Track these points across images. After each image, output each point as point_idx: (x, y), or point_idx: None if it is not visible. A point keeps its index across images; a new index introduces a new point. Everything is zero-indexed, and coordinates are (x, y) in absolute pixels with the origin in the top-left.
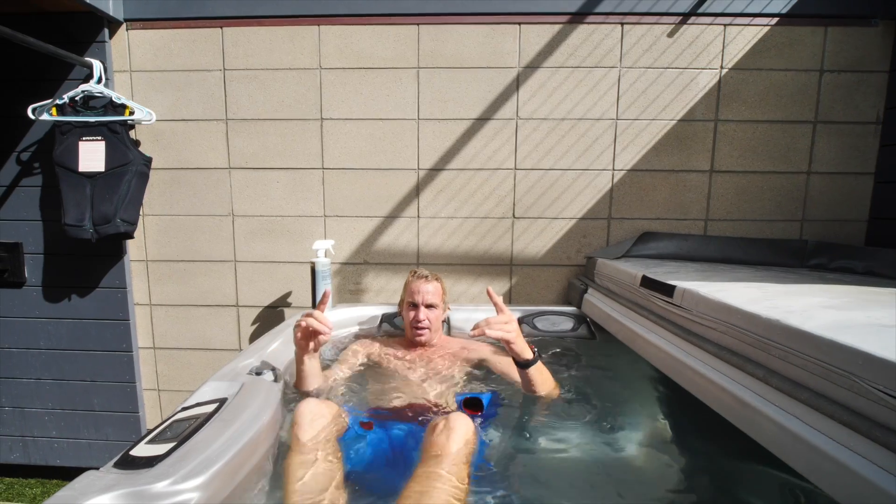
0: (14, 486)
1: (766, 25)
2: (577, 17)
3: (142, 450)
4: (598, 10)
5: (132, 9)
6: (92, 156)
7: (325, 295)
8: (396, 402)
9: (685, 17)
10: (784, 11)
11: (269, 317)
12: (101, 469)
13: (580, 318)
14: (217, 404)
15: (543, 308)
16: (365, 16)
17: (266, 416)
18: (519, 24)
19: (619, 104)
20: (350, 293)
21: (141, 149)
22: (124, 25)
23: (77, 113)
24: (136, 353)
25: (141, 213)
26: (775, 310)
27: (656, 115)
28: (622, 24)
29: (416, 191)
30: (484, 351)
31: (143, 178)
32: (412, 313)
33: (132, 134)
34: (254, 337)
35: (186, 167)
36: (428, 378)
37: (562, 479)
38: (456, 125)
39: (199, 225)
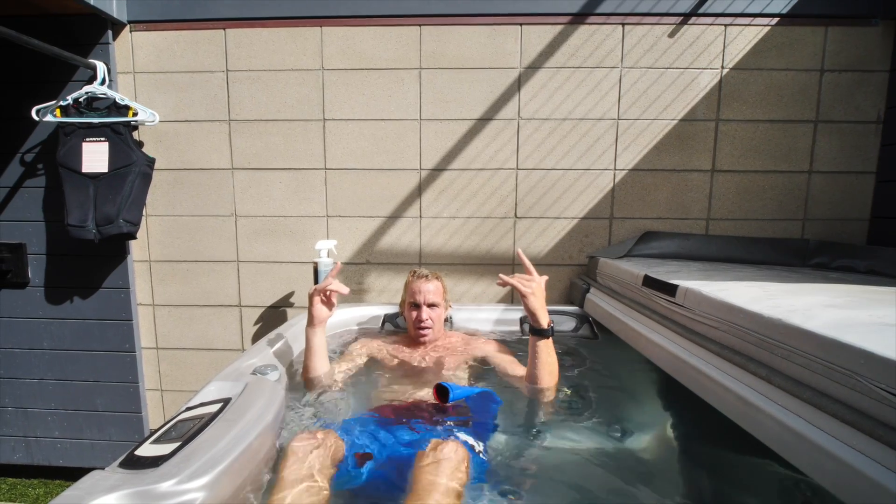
0: (17, 486)
1: (767, 25)
2: (579, 18)
3: (147, 450)
4: (599, 10)
5: (136, 11)
6: (95, 157)
7: (336, 267)
8: (399, 400)
9: (686, 17)
10: (784, 11)
11: (272, 317)
12: (106, 469)
13: (582, 318)
14: (221, 404)
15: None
16: (367, 17)
17: (270, 416)
18: (520, 24)
19: (620, 104)
20: (353, 293)
21: (144, 150)
22: (128, 27)
23: (81, 114)
24: (139, 353)
25: (144, 213)
26: (778, 309)
27: (658, 115)
28: (623, 24)
29: (419, 191)
30: (486, 348)
31: (147, 178)
32: (414, 313)
33: (135, 135)
34: (256, 337)
35: (189, 168)
36: (430, 375)
37: (564, 479)
38: (458, 126)
39: (201, 225)
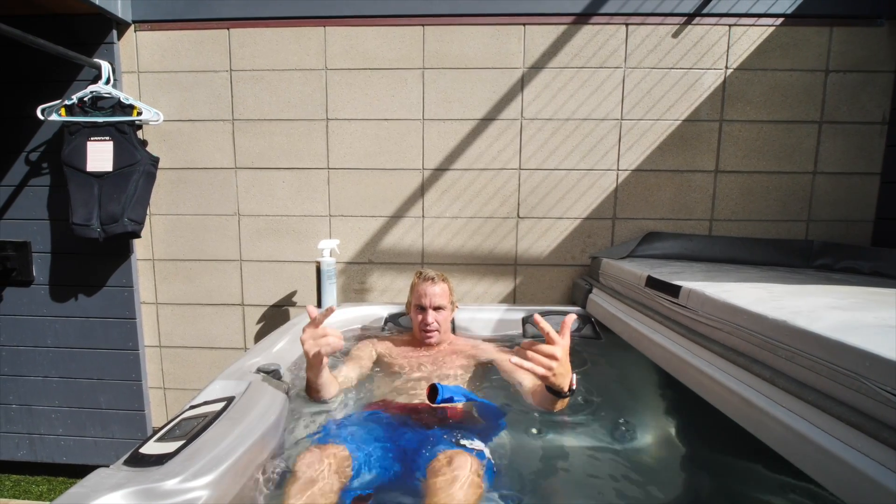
0: (21, 483)
1: (772, 26)
2: (582, 18)
3: (151, 447)
4: (602, 10)
5: (140, 10)
6: (100, 156)
7: (329, 310)
8: (403, 402)
9: (690, 17)
10: (789, 12)
11: (275, 316)
12: (111, 467)
13: (585, 319)
14: (225, 403)
15: (548, 308)
16: (370, 17)
17: (273, 415)
18: (524, 24)
19: (623, 104)
20: (355, 292)
21: (148, 149)
22: (132, 27)
23: (85, 113)
24: (142, 351)
25: (148, 212)
26: (782, 310)
27: (661, 115)
28: (627, 24)
29: (421, 190)
30: (492, 351)
31: (151, 177)
32: (420, 316)
33: (140, 134)
34: (259, 336)
35: (193, 167)
36: (435, 378)
37: (566, 480)
38: (460, 125)
39: (205, 224)
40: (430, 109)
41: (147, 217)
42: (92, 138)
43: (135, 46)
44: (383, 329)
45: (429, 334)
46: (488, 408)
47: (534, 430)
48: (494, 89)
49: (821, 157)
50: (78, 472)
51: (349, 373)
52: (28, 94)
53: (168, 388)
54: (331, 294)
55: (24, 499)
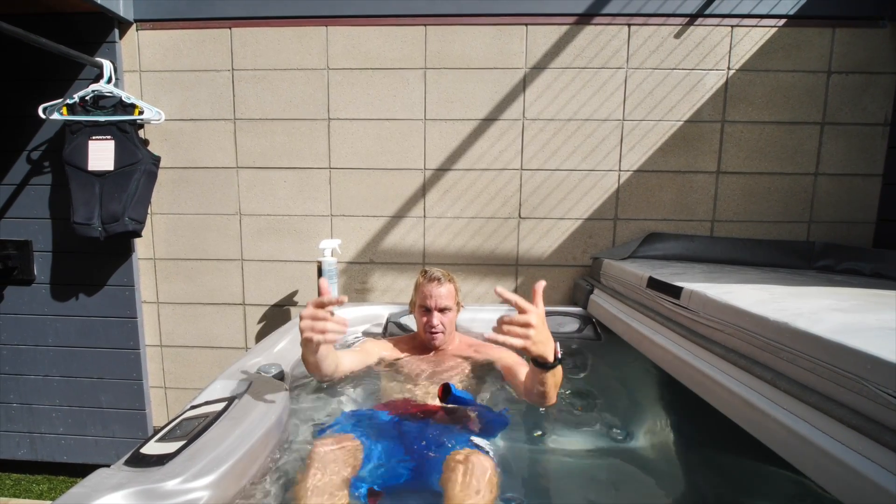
0: (21, 482)
1: (774, 27)
2: (584, 18)
3: (152, 448)
4: (604, 11)
5: (142, 9)
6: (101, 155)
7: (340, 301)
8: (410, 402)
9: (692, 18)
10: (791, 13)
11: (276, 315)
12: (111, 467)
13: (586, 319)
14: (226, 403)
15: (549, 308)
16: (372, 17)
17: (274, 416)
18: (526, 24)
19: (625, 105)
20: (356, 292)
21: (150, 148)
22: (134, 26)
23: (87, 112)
24: (143, 350)
25: (149, 211)
26: (783, 312)
27: (663, 115)
28: (629, 25)
29: (423, 190)
30: (492, 351)
31: (152, 177)
32: (425, 318)
33: (141, 133)
34: (260, 335)
35: (194, 166)
36: (440, 379)
37: (567, 481)
38: (462, 126)
39: (206, 224)
40: (431, 109)
41: (148, 216)
42: (93, 137)
43: (136, 45)
44: (385, 329)
45: (434, 336)
46: (494, 416)
47: (536, 432)
48: (496, 89)
49: (823, 158)
50: (78, 471)
51: (353, 363)
52: (30, 93)
53: (169, 387)
54: (332, 294)
55: (24, 498)
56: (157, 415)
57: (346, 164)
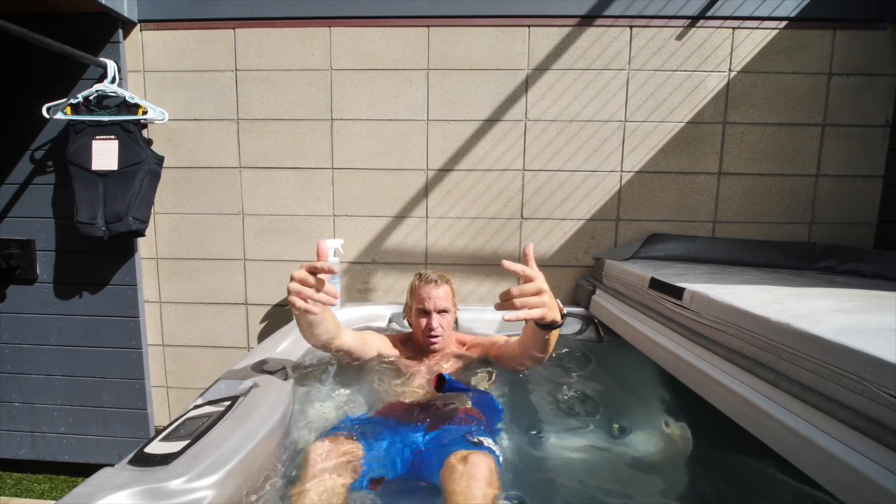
0: (22, 481)
1: (775, 29)
2: (587, 20)
3: (156, 447)
4: (607, 12)
5: (146, 10)
6: (105, 154)
7: (330, 270)
8: (404, 403)
9: (694, 20)
10: (793, 15)
11: (278, 315)
12: (115, 466)
13: (588, 320)
14: (229, 402)
15: None
16: (376, 18)
17: (277, 415)
18: (528, 26)
19: (627, 106)
20: (358, 292)
21: (153, 148)
22: (138, 26)
23: (91, 112)
24: (145, 349)
25: (152, 211)
26: (785, 313)
27: (665, 117)
28: (631, 26)
29: (425, 191)
30: (485, 342)
31: (155, 176)
32: (423, 321)
33: (145, 133)
34: (262, 335)
35: (198, 166)
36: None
37: (568, 481)
38: (465, 126)
39: (209, 223)
40: (434, 110)
41: (151, 216)
42: (97, 137)
43: (140, 46)
44: (387, 327)
45: (433, 340)
46: (487, 399)
47: (534, 431)
48: (499, 90)
49: (824, 159)
50: (80, 470)
51: (351, 344)
52: (33, 93)
53: (171, 386)
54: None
55: (25, 497)
56: (159, 414)
57: (348, 164)
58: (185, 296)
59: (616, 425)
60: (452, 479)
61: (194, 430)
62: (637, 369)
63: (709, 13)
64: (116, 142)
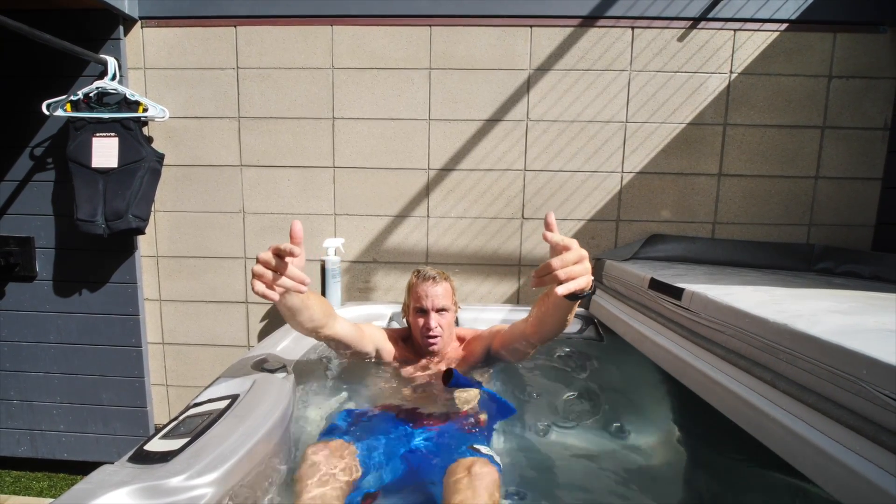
0: (21, 479)
1: (776, 31)
2: (588, 21)
3: (156, 445)
4: (608, 13)
5: (147, 7)
6: (105, 152)
7: (293, 252)
8: (404, 403)
9: (695, 21)
10: (793, 17)
11: (278, 314)
12: (115, 463)
13: (588, 320)
14: (229, 400)
15: None
16: (378, 16)
17: (278, 413)
18: (530, 26)
19: (628, 107)
20: (359, 291)
21: (154, 145)
22: (139, 23)
23: (91, 109)
24: (145, 348)
25: (152, 209)
26: (783, 314)
27: (666, 118)
28: (633, 27)
29: (426, 190)
30: (484, 334)
31: (156, 174)
32: (421, 320)
33: (145, 130)
34: (262, 333)
35: (198, 164)
36: (437, 388)
37: (569, 481)
38: (466, 126)
39: (209, 221)
40: (436, 109)
41: (151, 214)
42: (97, 134)
43: (141, 43)
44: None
45: (432, 340)
46: (499, 403)
47: (537, 431)
48: (500, 90)
49: (823, 161)
50: (79, 468)
51: (345, 333)
52: (33, 90)
53: (171, 385)
54: (335, 293)
55: (24, 495)
56: (159, 412)
57: (350, 163)
58: (185, 294)
59: (616, 424)
60: (457, 487)
61: (194, 428)
62: (637, 369)
63: (710, 15)
64: (116, 139)
